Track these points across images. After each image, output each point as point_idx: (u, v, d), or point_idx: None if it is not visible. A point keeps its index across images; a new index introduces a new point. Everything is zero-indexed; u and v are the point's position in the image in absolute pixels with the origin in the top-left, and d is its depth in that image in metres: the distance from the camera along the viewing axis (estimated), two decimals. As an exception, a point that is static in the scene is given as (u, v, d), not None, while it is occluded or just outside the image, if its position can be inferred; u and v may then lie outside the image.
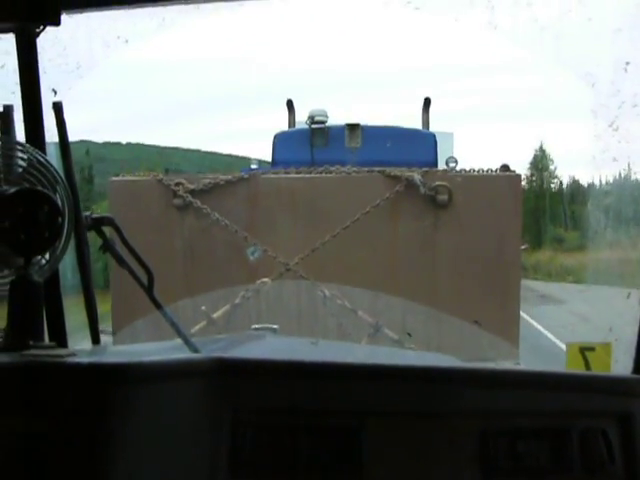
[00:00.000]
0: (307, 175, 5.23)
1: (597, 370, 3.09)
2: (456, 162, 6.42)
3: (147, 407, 1.59)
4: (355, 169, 5.14)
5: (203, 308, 4.51)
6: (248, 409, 1.78)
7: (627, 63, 1.90)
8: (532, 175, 34.01)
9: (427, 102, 8.33)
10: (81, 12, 1.94)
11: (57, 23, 1.89)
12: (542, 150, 35.81)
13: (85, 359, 1.62)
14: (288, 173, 5.21)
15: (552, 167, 35.74)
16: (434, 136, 7.63)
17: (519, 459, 1.77)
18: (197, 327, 4.51)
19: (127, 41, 1.99)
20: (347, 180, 5.03)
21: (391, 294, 4.48)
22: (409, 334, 4.08)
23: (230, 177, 5.08)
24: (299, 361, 1.91)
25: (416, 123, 8.27)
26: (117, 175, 5.46)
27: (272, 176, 5.26)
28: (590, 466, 1.78)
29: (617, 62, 1.92)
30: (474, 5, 1.88)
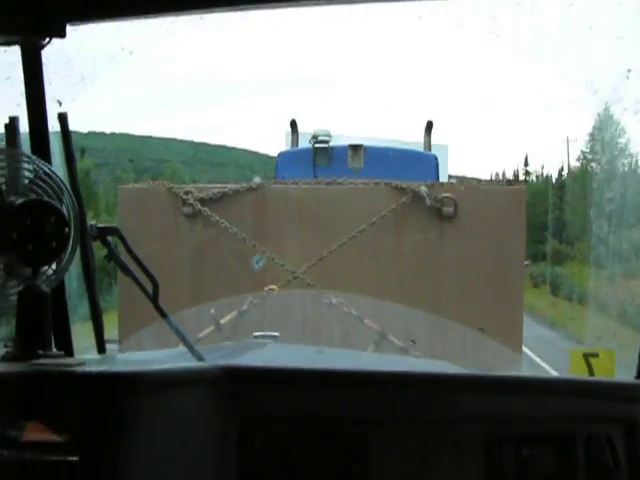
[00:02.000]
0: (315, 186, 5.28)
1: (601, 376, 3.08)
2: (456, 181, 6.47)
3: (156, 415, 1.60)
4: (362, 181, 5.17)
5: (212, 311, 4.53)
6: (255, 417, 1.80)
7: (629, 70, 1.91)
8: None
9: (429, 125, 8.41)
10: (86, 24, 1.96)
11: (62, 35, 1.92)
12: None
13: (94, 368, 1.64)
14: (296, 184, 5.24)
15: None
16: (436, 158, 7.69)
17: (524, 465, 1.78)
18: (204, 332, 4.53)
19: (132, 52, 2.02)
20: (354, 191, 5.05)
21: (397, 303, 4.49)
22: (413, 341, 4.08)
23: (239, 187, 5.11)
24: (305, 369, 1.92)
25: (417, 136, 8.34)
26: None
27: (280, 186, 5.29)
28: (595, 472, 1.78)
29: (619, 69, 1.93)
30: (476, 14, 1.89)
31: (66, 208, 1.82)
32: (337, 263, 4.76)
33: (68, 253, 1.83)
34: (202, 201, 5.00)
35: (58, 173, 1.87)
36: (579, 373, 3.04)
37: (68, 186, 1.87)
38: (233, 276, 4.90)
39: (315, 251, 4.81)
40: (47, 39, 1.92)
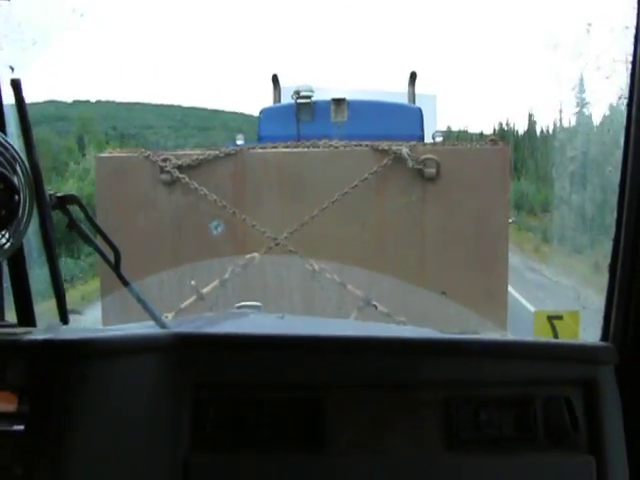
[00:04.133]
0: (295, 150, 5.21)
1: (565, 338, 3.07)
2: (442, 136, 6.42)
3: (105, 383, 1.57)
4: (343, 143, 5.12)
5: (193, 283, 4.50)
6: (209, 384, 1.77)
7: (589, 24, 1.86)
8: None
9: (413, 76, 8.37)
10: None
11: None
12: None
13: (40, 336, 1.60)
14: (276, 147, 5.18)
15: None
16: (420, 110, 7.64)
17: (482, 428, 1.76)
18: (187, 302, 4.51)
19: (83, 15, 1.95)
20: (335, 154, 5.00)
21: (380, 267, 4.47)
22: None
23: (217, 152, 5.05)
24: (258, 334, 1.90)
25: (401, 89, 8.27)
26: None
27: (259, 151, 5.22)
28: (554, 434, 1.77)
29: (580, 23, 1.88)
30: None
31: (18, 177, 1.76)
32: (319, 228, 4.72)
33: (23, 222, 1.78)
34: (180, 168, 4.94)
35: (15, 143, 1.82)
36: (543, 335, 3.03)
37: (22, 155, 1.81)
38: (214, 244, 4.86)
39: (296, 216, 4.77)
40: None
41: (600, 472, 1.75)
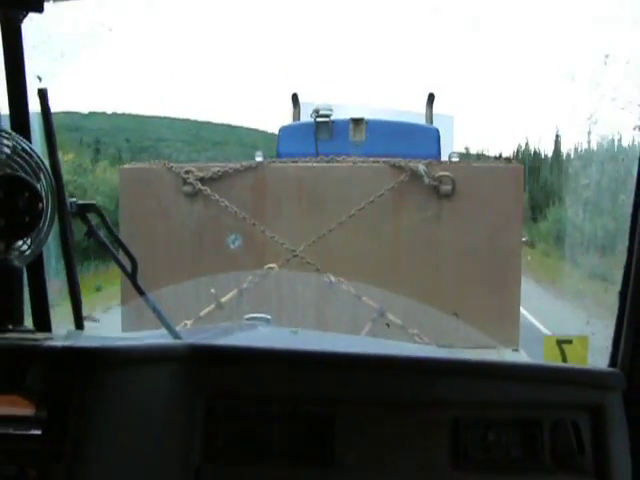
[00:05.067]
0: (314, 164, 5.29)
1: (574, 363, 3.08)
2: (458, 157, 6.45)
3: (121, 391, 1.61)
4: (361, 159, 5.20)
5: (212, 291, 4.57)
6: (222, 396, 1.80)
7: (606, 56, 1.89)
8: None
9: (431, 97, 8.40)
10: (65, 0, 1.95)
11: (40, 10, 1.91)
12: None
13: (59, 342, 1.64)
14: (295, 162, 5.25)
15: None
16: (437, 131, 7.67)
17: (489, 449, 1.78)
18: (205, 311, 4.57)
19: (111, 29, 2.01)
20: (353, 170, 5.07)
21: (395, 281, 4.51)
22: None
23: (238, 165, 5.12)
24: (274, 349, 1.93)
25: (419, 109, 8.31)
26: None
27: (280, 165, 5.29)
28: (560, 457, 1.79)
29: (597, 55, 1.91)
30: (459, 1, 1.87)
31: (42, 185, 1.81)
32: (336, 241, 4.78)
33: (44, 229, 1.83)
34: (202, 180, 5.02)
35: (38, 151, 1.87)
36: (553, 359, 3.04)
37: (47, 163, 1.87)
38: (233, 254, 4.92)
39: (314, 229, 4.83)
40: (25, 13, 1.91)
41: None
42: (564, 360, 3.05)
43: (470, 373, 1.87)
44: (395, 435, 1.79)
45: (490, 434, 1.79)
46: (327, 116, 7.18)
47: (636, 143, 1.80)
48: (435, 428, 1.79)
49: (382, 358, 1.94)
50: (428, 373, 1.86)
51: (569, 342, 3.06)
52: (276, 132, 7.87)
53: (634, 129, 1.78)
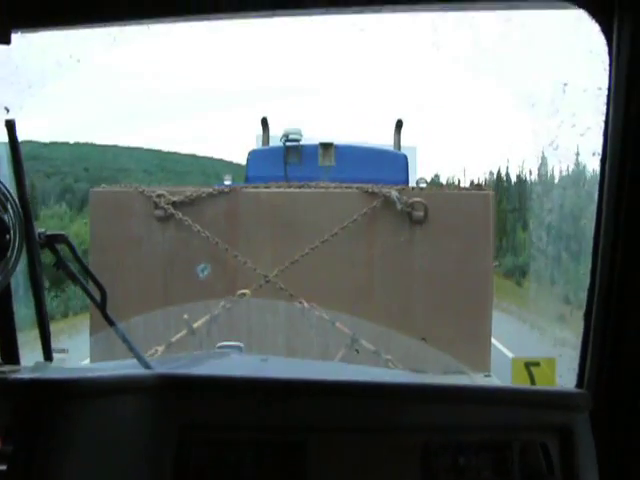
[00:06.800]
0: (287, 190, 5.32)
1: (542, 385, 3.10)
2: (426, 182, 6.50)
3: (89, 423, 1.59)
4: (333, 185, 5.22)
5: (185, 316, 4.53)
6: (193, 425, 1.79)
7: (565, 84, 1.93)
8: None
9: (399, 124, 8.48)
10: (33, 32, 1.95)
11: (7, 42, 1.90)
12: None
13: (27, 375, 1.62)
14: (268, 187, 5.25)
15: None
16: (405, 157, 7.74)
17: (460, 473, 1.79)
18: (177, 336, 4.53)
19: (79, 60, 2.00)
20: (326, 196, 5.09)
21: (368, 306, 4.52)
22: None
23: (211, 190, 5.11)
24: (244, 377, 1.93)
25: (387, 138, 8.38)
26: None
27: (252, 190, 5.29)
28: (530, 479, 1.80)
29: (556, 83, 1.95)
30: (418, 26, 1.90)
31: (9, 216, 1.80)
32: (309, 267, 4.77)
33: (12, 260, 1.81)
34: (174, 204, 4.99)
35: (5, 182, 1.86)
36: (521, 382, 3.06)
37: (14, 194, 1.85)
38: (205, 280, 4.89)
39: (287, 255, 4.82)
40: None
41: None
42: (532, 382, 3.06)
43: (440, 397, 1.88)
44: (367, 461, 1.79)
45: (461, 458, 1.80)
46: (297, 140, 7.22)
47: (595, 168, 1.84)
48: (406, 453, 1.80)
49: (352, 385, 1.94)
50: (398, 399, 1.87)
51: (537, 364, 3.07)
52: (242, 162, 7.90)
53: (593, 155, 1.81)
